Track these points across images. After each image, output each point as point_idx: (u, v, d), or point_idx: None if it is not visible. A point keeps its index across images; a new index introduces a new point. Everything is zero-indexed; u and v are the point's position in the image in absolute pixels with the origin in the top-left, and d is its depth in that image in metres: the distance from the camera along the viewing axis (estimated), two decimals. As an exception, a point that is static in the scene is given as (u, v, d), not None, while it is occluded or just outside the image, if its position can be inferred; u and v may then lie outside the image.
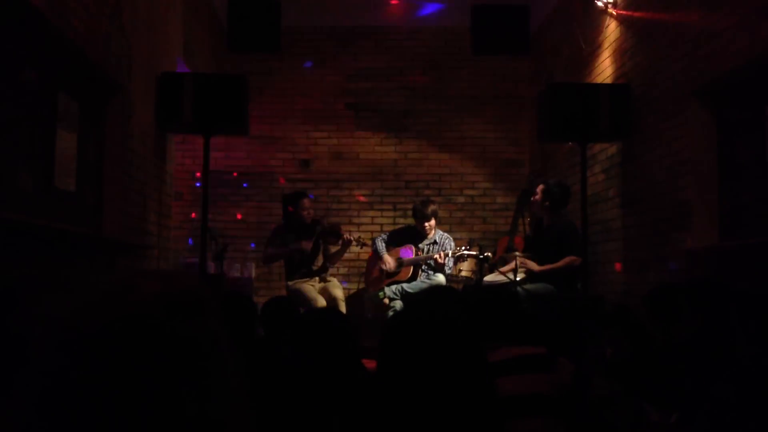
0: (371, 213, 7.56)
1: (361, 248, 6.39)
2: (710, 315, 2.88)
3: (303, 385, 2.17)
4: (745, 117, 3.84)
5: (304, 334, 2.31)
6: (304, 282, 5.83)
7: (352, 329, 2.35)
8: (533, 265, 5.29)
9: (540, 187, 5.50)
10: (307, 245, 5.72)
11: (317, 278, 5.91)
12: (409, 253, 6.09)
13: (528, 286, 5.18)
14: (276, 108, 7.59)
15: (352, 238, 5.88)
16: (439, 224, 6.31)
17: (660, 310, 3.01)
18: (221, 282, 5.67)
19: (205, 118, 4.96)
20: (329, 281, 5.96)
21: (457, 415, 1.23)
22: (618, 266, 5.23)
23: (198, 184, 7.07)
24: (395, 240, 6.27)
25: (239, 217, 7.49)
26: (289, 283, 5.88)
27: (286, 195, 6.13)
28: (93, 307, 0.77)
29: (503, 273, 5.32)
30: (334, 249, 6.06)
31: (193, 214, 7.07)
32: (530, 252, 5.47)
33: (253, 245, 7.26)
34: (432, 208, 6.07)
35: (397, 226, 7.03)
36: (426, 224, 6.03)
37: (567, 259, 5.19)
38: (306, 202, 5.89)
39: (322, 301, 5.63)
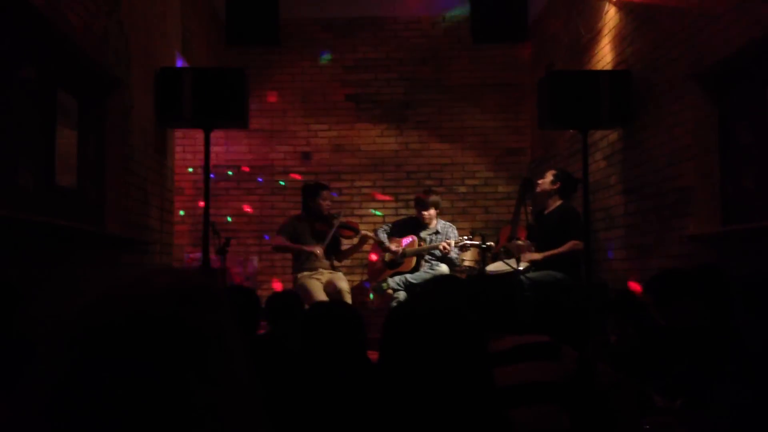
0: (373, 204, 7.56)
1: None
2: (713, 301, 2.88)
3: (312, 378, 2.17)
4: (746, 100, 3.82)
5: (314, 325, 2.31)
6: (311, 277, 5.83)
7: (361, 321, 2.35)
8: (536, 256, 5.29)
9: (551, 172, 5.49)
10: (320, 251, 5.76)
11: (323, 270, 5.93)
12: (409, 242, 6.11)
13: (531, 275, 5.18)
14: (275, 101, 7.59)
15: (369, 235, 5.95)
16: (441, 215, 6.31)
17: (662, 296, 3.01)
18: (224, 276, 5.69)
19: (204, 112, 4.95)
20: (334, 273, 5.99)
21: (457, 405, 1.23)
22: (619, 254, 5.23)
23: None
24: (397, 231, 6.28)
25: (248, 209, 7.49)
26: (298, 275, 5.90)
27: (307, 185, 6.19)
28: (105, 301, 0.78)
29: (507, 263, 5.32)
30: (347, 244, 6.10)
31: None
32: (532, 241, 5.47)
33: (267, 237, 7.26)
34: (433, 198, 6.09)
35: (399, 217, 7.03)
36: (424, 213, 6.05)
37: (570, 244, 5.18)
38: (325, 193, 5.98)
39: (326, 299, 5.65)
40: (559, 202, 5.43)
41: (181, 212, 7.08)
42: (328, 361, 2.19)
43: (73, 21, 3.55)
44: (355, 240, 6.07)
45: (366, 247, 6.56)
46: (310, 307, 2.51)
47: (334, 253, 6.07)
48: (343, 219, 6.02)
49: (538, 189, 5.53)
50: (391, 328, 1.34)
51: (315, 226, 5.90)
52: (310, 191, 6.01)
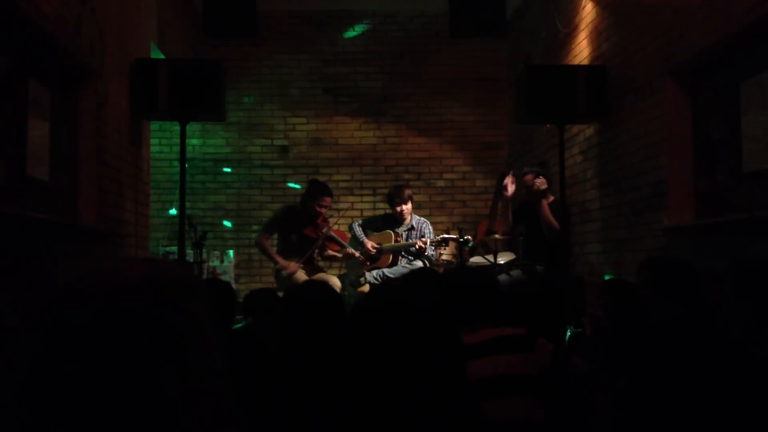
0: (351, 198, 7.55)
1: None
2: (689, 295, 2.92)
3: (291, 369, 2.15)
4: (720, 95, 3.86)
5: (294, 302, 2.26)
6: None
7: (341, 299, 2.32)
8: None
9: (536, 176, 5.47)
10: (294, 268, 5.66)
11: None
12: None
13: (514, 273, 5.20)
14: (253, 94, 7.53)
15: (356, 254, 5.86)
16: (418, 209, 6.30)
17: (662, 279, 3.03)
18: (201, 269, 5.64)
19: (180, 104, 4.90)
20: (320, 272, 5.97)
21: (427, 396, 1.22)
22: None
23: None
24: (372, 225, 6.27)
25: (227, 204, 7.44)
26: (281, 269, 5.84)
27: (314, 182, 5.95)
28: (76, 289, 0.76)
29: (485, 257, 5.34)
30: (331, 252, 6.04)
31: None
32: (526, 237, 5.48)
33: None
34: (408, 192, 6.04)
35: (376, 212, 7.03)
36: (402, 207, 6.01)
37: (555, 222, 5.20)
38: (327, 200, 5.78)
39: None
40: (552, 198, 5.45)
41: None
42: (308, 344, 2.14)
43: (45, 9, 3.48)
44: (340, 255, 6.02)
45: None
46: (288, 288, 2.45)
47: (320, 255, 6.04)
48: (331, 232, 5.91)
49: (534, 188, 5.45)
50: (357, 319, 1.33)
51: (304, 231, 5.78)
52: (312, 191, 5.77)
